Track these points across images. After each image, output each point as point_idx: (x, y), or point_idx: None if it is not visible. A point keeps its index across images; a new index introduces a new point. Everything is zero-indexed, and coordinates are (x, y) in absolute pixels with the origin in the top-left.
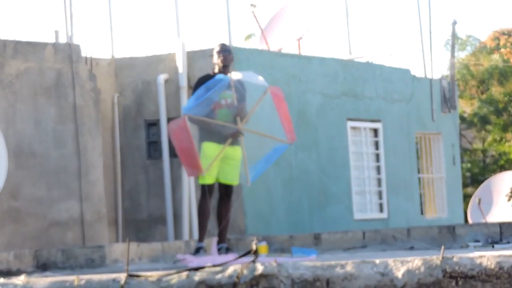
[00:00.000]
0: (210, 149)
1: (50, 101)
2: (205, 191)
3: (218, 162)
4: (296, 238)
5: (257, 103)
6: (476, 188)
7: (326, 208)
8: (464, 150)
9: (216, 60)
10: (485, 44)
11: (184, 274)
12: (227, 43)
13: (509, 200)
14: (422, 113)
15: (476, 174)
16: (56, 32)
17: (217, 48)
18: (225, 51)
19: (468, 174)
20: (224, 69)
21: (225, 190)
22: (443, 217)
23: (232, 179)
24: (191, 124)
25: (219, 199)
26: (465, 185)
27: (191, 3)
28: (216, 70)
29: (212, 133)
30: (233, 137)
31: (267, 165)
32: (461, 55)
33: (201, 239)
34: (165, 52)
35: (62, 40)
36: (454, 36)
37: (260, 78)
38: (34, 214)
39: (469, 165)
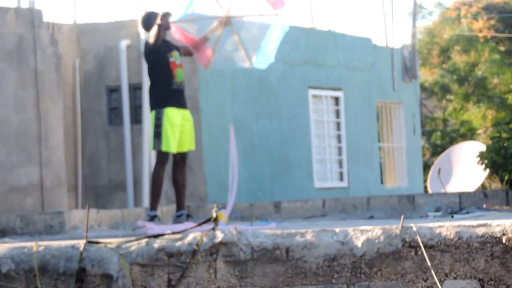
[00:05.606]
0: (172, 114)
1: (11, 66)
2: (163, 159)
3: (178, 131)
4: (256, 206)
5: None
6: (437, 157)
7: (287, 176)
8: (424, 119)
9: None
10: (448, 14)
11: (144, 241)
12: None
13: (481, 165)
14: (383, 82)
15: (437, 146)
16: None
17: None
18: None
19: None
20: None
21: (181, 156)
22: (403, 187)
23: (189, 146)
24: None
25: (174, 166)
26: (424, 154)
27: None
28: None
29: (172, 98)
30: (223, 25)
31: (274, 47)
32: (429, 23)
33: (155, 207)
34: (127, 18)
35: (24, 5)
36: (416, 4)
37: None
38: None
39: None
